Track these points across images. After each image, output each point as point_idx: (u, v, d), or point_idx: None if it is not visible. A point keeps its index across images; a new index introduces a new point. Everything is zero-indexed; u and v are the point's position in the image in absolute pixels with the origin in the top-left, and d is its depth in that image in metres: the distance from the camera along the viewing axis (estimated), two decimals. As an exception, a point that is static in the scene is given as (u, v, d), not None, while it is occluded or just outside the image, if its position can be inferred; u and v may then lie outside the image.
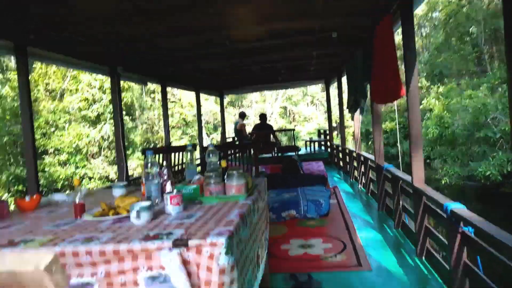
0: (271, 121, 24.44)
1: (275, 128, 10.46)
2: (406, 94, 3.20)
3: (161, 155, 4.12)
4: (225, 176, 2.07)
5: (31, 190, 3.55)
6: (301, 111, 28.66)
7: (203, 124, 20.58)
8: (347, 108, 6.16)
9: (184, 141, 20.87)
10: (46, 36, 3.65)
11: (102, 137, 15.41)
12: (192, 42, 4.53)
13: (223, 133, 10.05)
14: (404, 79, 3.34)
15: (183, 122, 22.04)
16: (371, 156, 5.38)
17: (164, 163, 4.11)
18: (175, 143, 20.02)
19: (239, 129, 9.91)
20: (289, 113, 28.74)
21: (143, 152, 3.86)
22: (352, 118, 6.43)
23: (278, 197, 5.07)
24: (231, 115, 23.49)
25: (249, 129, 10.16)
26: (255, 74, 7.80)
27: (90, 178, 14.68)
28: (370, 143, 15.77)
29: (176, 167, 4.26)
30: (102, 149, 15.82)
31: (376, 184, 5.04)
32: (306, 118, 28.55)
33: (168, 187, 2.20)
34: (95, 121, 15.38)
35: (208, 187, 2.03)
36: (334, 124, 10.25)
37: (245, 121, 10.29)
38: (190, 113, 21.65)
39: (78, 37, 3.83)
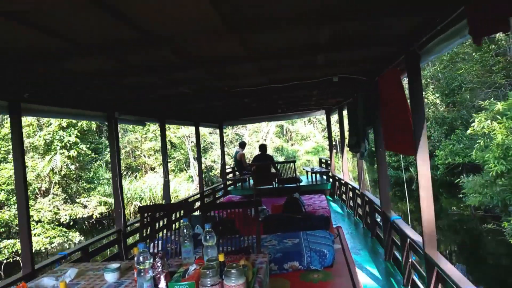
0: (267, 140, 23.79)
1: (273, 156, 10.31)
2: (414, 152, 3.05)
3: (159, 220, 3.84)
4: (223, 274, 1.91)
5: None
6: (298, 129, 27.89)
7: (189, 147, 19.74)
8: (348, 146, 6.03)
9: (170, 166, 19.22)
10: (40, 92, 3.56)
11: (52, 170, 13.27)
12: (191, 89, 4.46)
13: (223, 164, 9.90)
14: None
15: (168, 146, 20.75)
16: (377, 201, 5.20)
17: (158, 245, 3.52)
18: (158, 169, 19.09)
19: (239, 160, 9.77)
20: (286, 132, 27.95)
21: (140, 210, 3.74)
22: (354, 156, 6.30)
23: (280, 246, 4.88)
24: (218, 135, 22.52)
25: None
26: (255, 108, 7.72)
27: (37, 222, 12.21)
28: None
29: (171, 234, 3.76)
30: (52, 186, 13.61)
31: (382, 229, 4.86)
32: (303, 137, 27.83)
33: (162, 283, 2.04)
34: (45, 151, 13.38)
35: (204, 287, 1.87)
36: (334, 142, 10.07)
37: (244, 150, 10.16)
38: (174, 136, 20.50)
39: (73, 89, 3.76)
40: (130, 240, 5.59)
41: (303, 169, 11.78)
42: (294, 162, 9.10)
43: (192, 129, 18.40)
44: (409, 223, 3.89)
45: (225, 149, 20.83)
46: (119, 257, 4.91)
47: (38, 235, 11.39)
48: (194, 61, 3.14)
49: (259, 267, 2.30)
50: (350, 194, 7.54)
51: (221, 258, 1.96)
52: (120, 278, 2.37)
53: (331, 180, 9.53)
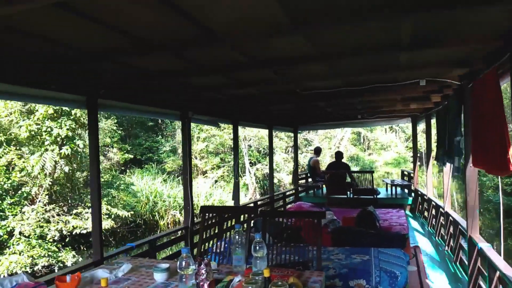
0: (340, 147, 21.96)
1: (349, 165, 9.75)
2: (506, 172, 2.53)
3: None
4: (267, 291, 1.72)
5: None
6: (378, 137, 25.45)
7: (245, 151, 18.10)
8: (435, 159, 5.40)
9: (221, 172, 17.96)
10: (114, 89, 3.74)
11: (43, 169, 9.86)
12: (261, 91, 4.35)
13: (296, 169, 9.68)
14: None
15: (221, 148, 19.15)
16: (463, 222, 4.54)
17: (221, 246, 3.36)
18: (210, 173, 17.84)
19: (313, 166, 9.47)
20: (363, 140, 25.58)
21: (202, 210, 3.74)
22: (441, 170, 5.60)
23: (347, 261, 4.51)
24: (283, 141, 20.51)
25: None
26: (331, 113, 7.38)
27: (23, 236, 9.12)
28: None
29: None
30: (42, 191, 10.25)
31: (466, 254, 4.22)
32: (383, 146, 25.36)
33: (205, 292, 1.92)
34: (34, 145, 10.27)
35: (245, 304, 1.70)
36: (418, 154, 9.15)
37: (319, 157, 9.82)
38: (229, 137, 18.38)
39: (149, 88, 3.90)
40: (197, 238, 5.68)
41: (383, 180, 11.01)
42: (372, 172, 8.52)
43: (248, 130, 17.90)
44: (502, 252, 3.28)
45: (287, 154, 20.01)
46: None
47: (20, 253, 8.69)
48: (261, 60, 3.01)
49: (311, 287, 2.06)
50: (433, 211, 6.77)
51: (267, 273, 1.78)
52: (169, 279, 2.32)
53: (413, 194, 8.71)
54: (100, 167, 3.73)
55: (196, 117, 5.43)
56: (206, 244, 3.51)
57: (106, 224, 10.76)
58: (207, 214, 3.54)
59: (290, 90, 4.41)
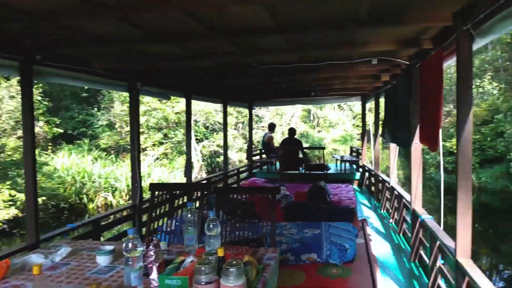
0: (291, 124, 21.48)
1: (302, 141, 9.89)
2: (456, 149, 2.65)
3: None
4: (221, 272, 1.66)
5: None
6: (327, 115, 25.59)
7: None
8: (381, 136, 5.59)
9: (162, 149, 16.62)
10: (56, 56, 3.40)
11: None
12: (217, 64, 4.19)
13: (250, 146, 9.66)
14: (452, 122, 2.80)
15: (163, 123, 17.52)
16: (407, 196, 4.78)
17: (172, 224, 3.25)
18: (150, 150, 16.41)
19: (267, 142, 9.50)
20: (313, 117, 25.60)
21: (151, 188, 3.57)
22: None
23: (299, 235, 4.61)
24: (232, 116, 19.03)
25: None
26: (286, 89, 7.36)
27: None
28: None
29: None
30: None
31: (409, 226, 4.47)
32: (331, 124, 25.55)
33: (154, 274, 1.82)
34: None
35: (197, 285, 1.63)
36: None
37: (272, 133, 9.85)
38: (172, 111, 16.87)
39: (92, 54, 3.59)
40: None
41: (333, 156, 11.34)
42: (323, 148, 8.74)
43: (194, 104, 15.34)
44: (441, 224, 3.50)
45: (236, 131, 19.27)
46: None
47: None
48: (218, 30, 2.85)
49: (266, 263, 2.04)
50: (380, 186, 7.10)
51: (221, 252, 1.71)
52: (114, 262, 2.18)
53: (361, 170, 9.08)
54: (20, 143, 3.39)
55: (145, 89, 5.15)
56: (156, 223, 3.38)
57: (7, 213, 9.15)
58: (156, 192, 3.40)
59: (246, 63, 4.29)
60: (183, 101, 14.75)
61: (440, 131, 2.83)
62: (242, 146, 19.19)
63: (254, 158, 9.98)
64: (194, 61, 3.91)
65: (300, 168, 8.74)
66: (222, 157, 17.46)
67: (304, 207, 5.79)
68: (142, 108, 15.95)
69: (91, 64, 4.03)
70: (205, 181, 7.42)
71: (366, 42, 3.37)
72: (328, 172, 8.68)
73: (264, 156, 10.04)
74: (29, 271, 2.02)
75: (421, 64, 3.56)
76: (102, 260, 2.20)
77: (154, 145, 17.17)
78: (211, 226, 2.03)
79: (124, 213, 5.20)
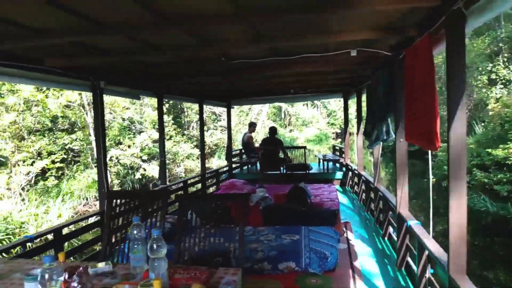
0: (258, 122, 19.97)
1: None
2: (448, 150, 2.34)
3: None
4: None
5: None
6: (299, 113, 23.99)
7: (90, 125, 12.47)
8: (363, 134, 5.31)
9: (45, 162, 11.71)
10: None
11: None
12: (179, 58, 3.82)
13: (229, 146, 9.30)
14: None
15: (47, 123, 12.93)
16: (392, 199, 4.50)
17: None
18: (22, 166, 11.12)
19: (247, 142, 9.17)
20: (284, 115, 23.90)
21: (109, 196, 3.18)
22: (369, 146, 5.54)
23: (276, 242, 4.29)
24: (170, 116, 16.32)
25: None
26: (263, 87, 7.03)
27: None
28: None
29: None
30: None
31: (395, 230, 4.19)
32: (304, 122, 24.01)
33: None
34: None
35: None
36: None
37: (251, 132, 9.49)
38: (56, 102, 12.11)
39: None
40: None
41: (315, 155, 11.07)
42: (305, 148, 8.44)
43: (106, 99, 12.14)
44: (430, 232, 3.21)
45: (186, 131, 16.40)
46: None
47: None
48: (168, 17, 2.49)
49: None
50: (363, 186, 6.84)
51: (157, 286, 1.36)
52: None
53: (344, 169, 8.82)
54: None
55: (110, 88, 4.76)
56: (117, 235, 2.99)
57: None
58: (114, 201, 3.02)
59: (213, 58, 3.93)
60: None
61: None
62: (191, 152, 16.11)
63: (233, 159, 9.63)
64: (148, 54, 3.53)
65: (282, 168, 8.44)
66: (139, 172, 13.93)
67: (282, 209, 5.48)
68: (11, 100, 11.28)
69: (44, 61, 3.63)
70: (181, 184, 7.05)
71: (342, 30, 3.05)
72: (310, 171, 8.40)
73: (244, 156, 9.70)
74: None
75: (406, 54, 3.27)
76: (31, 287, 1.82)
77: (35, 157, 12.01)
78: (155, 247, 1.68)
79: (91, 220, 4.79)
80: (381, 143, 4.50)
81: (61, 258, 1.70)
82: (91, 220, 4.80)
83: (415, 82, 3.03)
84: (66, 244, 4.42)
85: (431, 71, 2.70)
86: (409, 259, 3.77)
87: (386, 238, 4.83)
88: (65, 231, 4.12)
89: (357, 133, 7.62)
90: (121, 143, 14.09)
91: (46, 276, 1.41)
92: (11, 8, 2.28)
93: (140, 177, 13.69)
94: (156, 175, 13.35)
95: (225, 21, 2.51)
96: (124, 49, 3.43)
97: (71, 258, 4.41)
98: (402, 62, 3.40)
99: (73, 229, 4.78)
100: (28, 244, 3.94)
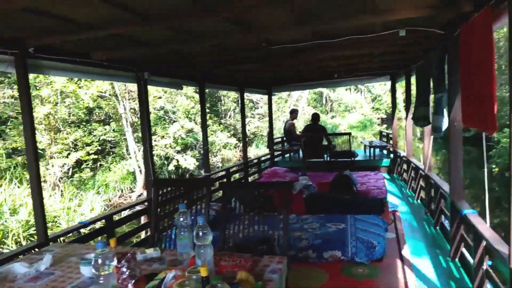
0: (298, 109, 18.51)
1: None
2: (510, 139, 2.15)
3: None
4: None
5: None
6: (342, 98, 22.42)
7: (127, 118, 12.13)
8: (412, 119, 5.04)
9: (79, 154, 11.58)
10: (51, 47, 3.16)
11: None
12: (220, 46, 3.81)
13: (270, 133, 9.25)
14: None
15: (81, 115, 12.50)
16: (446, 186, 4.24)
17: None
18: (59, 158, 11.18)
19: (288, 129, 9.07)
20: (326, 100, 22.48)
21: (155, 184, 3.27)
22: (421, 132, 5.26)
23: (321, 230, 4.22)
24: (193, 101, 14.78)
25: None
26: (305, 72, 6.87)
27: None
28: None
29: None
30: None
31: (449, 219, 3.96)
32: (347, 108, 22.46)
33: (126, 296, 1.50)
34: None
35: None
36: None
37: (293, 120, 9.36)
38: (86, 94, 11.55)
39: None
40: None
41: (361, 142, 10.75)
42: (350, 134, 8.20)
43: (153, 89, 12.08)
44: (487, 220, 2.99)
45: (223, 120, 15.63)
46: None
47: None
48: (207, 4, 2.45)
49: (267, 279, 1.68)
50: (413, 173, 6.54)
51: (204, 272, 1.36)
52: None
53: (391, 156, 8.49)
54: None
55: (154, 79, 4.87)
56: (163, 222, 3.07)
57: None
58: (161, 190, 3.09)
59: (254, 44, 3.88)
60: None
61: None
62: (228, 141, 15.20)
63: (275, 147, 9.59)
64: (190, 43, 3.53)
65: (325, 156, 8.27)
66: (172, 163, 13.29)
67: (326, 198, 5.38)
68: (45, 92, 10.95)
69: (91, 54, 3.77)
70: (223, 172, 7.15)
71: (390, 9, 2.87)
72: (356, 159, 8.16)
73: (286, 144, 9.62)
74: (12, 281, 1.89)
75: (461, 31, 3.02)
76: (86, 271, 1.92)
77: (71, 149, 11.70)
78: (200, 234, 1.68)
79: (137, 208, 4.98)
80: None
81: (113, 244, 1.76)
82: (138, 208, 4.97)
83: (472, 61, 2.80)
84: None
85: (490, 48, 2.47)
86: (463, 249, 3.55)
87: (438, 228, 4.59)
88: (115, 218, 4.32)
89: (406, 118, 7.26)
90: (154, 134, 13.38)
91: (99, 261, 1.46)
92: (59, 3, 2.36)
93: (174, 168, 13.19)
94: (190, 166, 13.16)
95: (268, 3, 2.45)
96: (166, 40, 3.47)
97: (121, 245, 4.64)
98: (457, 40, 3.16)
99: (124, 214, 4.99)
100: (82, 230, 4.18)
